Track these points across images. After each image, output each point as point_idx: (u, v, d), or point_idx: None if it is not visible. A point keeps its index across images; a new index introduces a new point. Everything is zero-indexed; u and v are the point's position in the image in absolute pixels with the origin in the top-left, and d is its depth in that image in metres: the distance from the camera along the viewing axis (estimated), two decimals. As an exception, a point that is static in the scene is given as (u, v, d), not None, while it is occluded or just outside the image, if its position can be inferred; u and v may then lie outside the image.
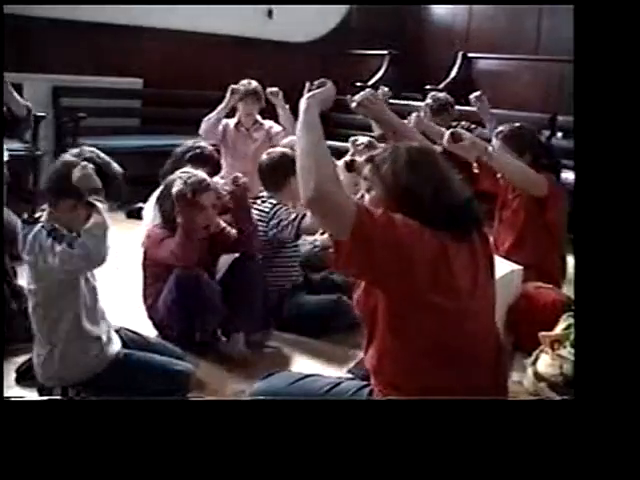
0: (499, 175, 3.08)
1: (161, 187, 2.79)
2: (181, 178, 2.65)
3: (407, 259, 1.67)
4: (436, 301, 1.71)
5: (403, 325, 1.77)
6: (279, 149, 3.24)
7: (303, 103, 1.77)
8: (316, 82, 1.91)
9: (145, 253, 2.82)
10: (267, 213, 2.97)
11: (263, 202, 3.03)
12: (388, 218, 1.68)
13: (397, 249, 1.66)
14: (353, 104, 2.19)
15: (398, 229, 1.67)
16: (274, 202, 2.99)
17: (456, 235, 1.76)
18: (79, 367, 2.16)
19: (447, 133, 2.92)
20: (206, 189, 2.66)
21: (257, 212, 2.98)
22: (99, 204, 2.03)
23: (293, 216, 2.91)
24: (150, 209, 3.41)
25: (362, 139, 3.24)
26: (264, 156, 3.15)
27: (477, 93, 4.21)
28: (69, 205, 2.09)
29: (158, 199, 2.81)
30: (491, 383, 1.86)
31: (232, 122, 4.57)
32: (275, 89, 4.49)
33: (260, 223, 2.94)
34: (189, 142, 3.43)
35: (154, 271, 2.75)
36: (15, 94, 3.92)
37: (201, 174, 2.74)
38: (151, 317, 2.78)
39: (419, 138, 2.31)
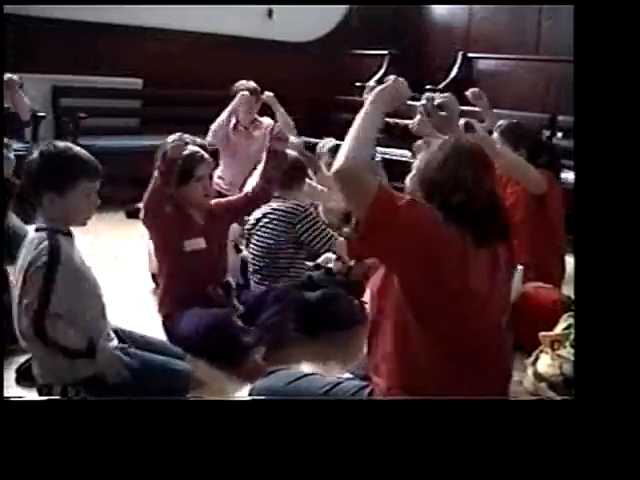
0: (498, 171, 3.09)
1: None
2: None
3: (424, 244, 1.72)
4: (452, 300, 1.76)
5: (419, 324, 1.79)
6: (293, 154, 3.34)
7: (372, 95, 1.85)
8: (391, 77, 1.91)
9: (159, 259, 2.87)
10: (292, 214, 3.08)
11: (284, 202, 3.13)
12: (409, 202, 1.73)
13: (414, 232, 1.72)
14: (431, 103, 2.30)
15: (416, 213, 1.73)
16: (298, 203, 3.12)
17: (477, 238, 1.78)
18: (77, 365, 2.16)
19: (461, 122, 2.93)
20: (202, 160, 2.85)
21: (279, 210, 3.09)
22: None
23: (327, 239, 3.08)
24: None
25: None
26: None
27: (474, 90, 4.13)
28: (50, 198, 2.07)
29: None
30: (496, 381, 1.89)
31: (231, 122, 4.59)
32: (270, 94, 4.58)
33: (281, 221, 3.08)
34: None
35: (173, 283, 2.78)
36: (25, 99, 4.03)
37: (195, 147, 2.94)
38: (166, 328, 2.79)
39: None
